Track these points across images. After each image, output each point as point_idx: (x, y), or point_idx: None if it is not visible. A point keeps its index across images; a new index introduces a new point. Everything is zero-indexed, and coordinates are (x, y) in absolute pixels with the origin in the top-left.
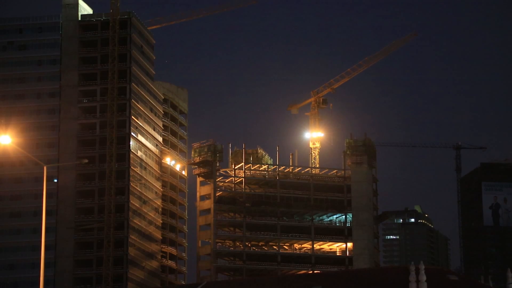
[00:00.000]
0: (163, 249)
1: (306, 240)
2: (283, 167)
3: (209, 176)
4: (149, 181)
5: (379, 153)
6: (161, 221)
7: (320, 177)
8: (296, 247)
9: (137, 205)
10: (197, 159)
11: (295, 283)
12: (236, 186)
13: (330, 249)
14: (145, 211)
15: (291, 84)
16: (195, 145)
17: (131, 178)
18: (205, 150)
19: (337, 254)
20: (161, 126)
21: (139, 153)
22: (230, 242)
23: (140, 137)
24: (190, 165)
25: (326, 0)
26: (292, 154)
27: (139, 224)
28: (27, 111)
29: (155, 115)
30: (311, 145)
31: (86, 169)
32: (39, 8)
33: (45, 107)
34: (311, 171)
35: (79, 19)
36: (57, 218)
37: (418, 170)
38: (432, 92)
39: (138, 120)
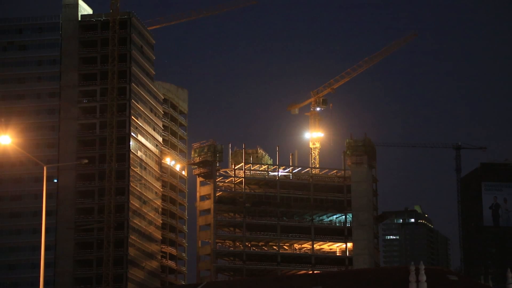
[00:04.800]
0: (163, 249)
1: (306, 240)
2: (283, 167)
3: (209, 176)
4: (149, 181)
5: (379, 153)
6: (161, 221)
7: (320, 177)
8: (296, 247)
9: (137, 205)
10: (197, 159)
11: (295, 283)
12: (236, 186)
13: (330, 249)
14: (145, 211)
15: (291, 84)
16: (195, 145)
17: (131, 178)
18: (205, 150)
19: (337, 254)
20: (161, 126)
21: (139, 153)
22: (230, 242)
23: (140, 137)
24: (190, 165)
25: (326, 0)
26: (292, 154)
27: (139, 224)
28: (27, 111)
29: (155, 115)
30: (311, 145)
31: (86, 169)
32: (39, 8)
33: (45, 107)
34: (311, 171)
35: (79, 19)
36: (57, 218)
37: (418, 170)
38: (432, 92)
39: (138, 120)
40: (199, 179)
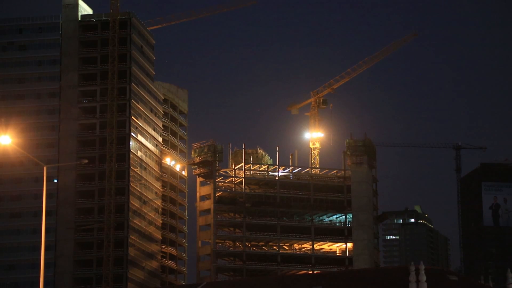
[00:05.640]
0: (163, 250)
1: (306, 240)
2: (283, 167)
3: (209, 176)
4: (149, 181)
5: (379, 153)
6: (161, 221)
7: (320, 177)
8: (296, 247)
9: (137, 205)
10: (197, 159)
11: (295, 283)
12: (236, 186)
13: (330, 249)
14: (145, 211)
15: (291, 84)
16: (195, 145)
17: (131, 178)
18: (205, 150)
19: (337, 254)
20: (161, 126)
21: (139, 153)
22: (230, 242)
23: (140, 137)
24: (190, 165)
25: (326, 0)
26: (292, 154)
27: (139, 224)
28: (27, 111)
29: (155, 116)
30: (311, 145)
31: (86, 169)
32: (39, 8)
33: (45, 108)
34: (311, 171)
35: (79, 19)
36: (57, 219)
37: (418, 170)
38: (432, 92)
39: (138, 120)
40: (199, 179)
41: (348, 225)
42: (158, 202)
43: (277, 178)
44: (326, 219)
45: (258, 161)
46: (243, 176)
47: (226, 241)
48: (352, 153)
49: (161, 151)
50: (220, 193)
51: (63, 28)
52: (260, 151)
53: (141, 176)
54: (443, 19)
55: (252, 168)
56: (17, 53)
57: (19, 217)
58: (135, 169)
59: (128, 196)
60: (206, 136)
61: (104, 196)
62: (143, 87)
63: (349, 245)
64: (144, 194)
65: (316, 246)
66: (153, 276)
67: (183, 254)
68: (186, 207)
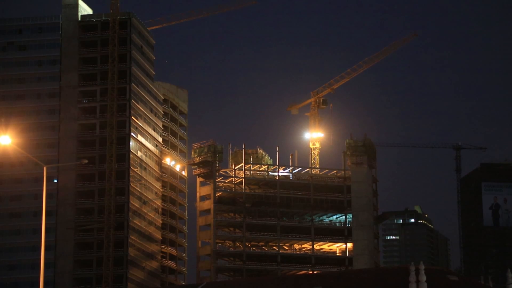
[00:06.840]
0: (163, 250)
1: (306, 240)
2: (283, 167)
3: (209, 176)
4: (149, 182)
5: (379, 153)
6: (161, 222)
7: (320, 177)
8: (296, 248)
9: (137, 206)
10: (197, 160)
11: (295, 284)
12: (236, 186)
13: (330, 249)
14: (145, 211)
15: (291, 84)
16: (195, 145)
17: (131, 179)
18: (205, 150)
19: (337, 254)
20: (161, 126)
21: (139, 154)
22: (230, 242)
23: (140, 138)
24: (190, 166)
25: (326, 0)
26: (292, 155)
27: (139, 224)
28: (27, 112)
29: (155, 116)
30: (311, 146)
31: (86, 169)
32: (39, 8)
33: (45, 108)
34: (311, 172)
35: (79, 19)
36: (57, 219)
37: (418, 170)
38: (432, 92)
39: (138, 120)
40: (199, 179)
41: (348, 225)
42: (158, 202)
43: (277, 178)
44: (326, 219)
45: (258, 161)
46: (243, 176)
47: (226, 241)
48: (352, 153)
49: (161, 151)
50: (220, 193)
51: (63, 28)
52: (260, 151)
53: (141, 176)
54: (443, 19)
55: (252, 168)
56: (17, 53)
57: (19, 217)
58: (135, 169)
59: (128, 196)
60: (206, 136)
61: (104, 196)
62: (143, 87)
63: (349, 245)
64: (144, 194)
65: (316, 246)
66: (153, 276)
67: (183, 254)
68: (186, 207)
